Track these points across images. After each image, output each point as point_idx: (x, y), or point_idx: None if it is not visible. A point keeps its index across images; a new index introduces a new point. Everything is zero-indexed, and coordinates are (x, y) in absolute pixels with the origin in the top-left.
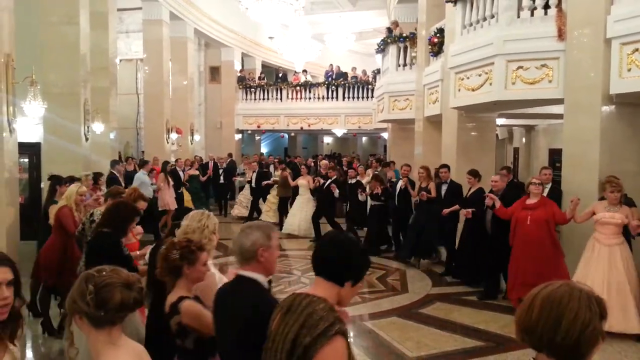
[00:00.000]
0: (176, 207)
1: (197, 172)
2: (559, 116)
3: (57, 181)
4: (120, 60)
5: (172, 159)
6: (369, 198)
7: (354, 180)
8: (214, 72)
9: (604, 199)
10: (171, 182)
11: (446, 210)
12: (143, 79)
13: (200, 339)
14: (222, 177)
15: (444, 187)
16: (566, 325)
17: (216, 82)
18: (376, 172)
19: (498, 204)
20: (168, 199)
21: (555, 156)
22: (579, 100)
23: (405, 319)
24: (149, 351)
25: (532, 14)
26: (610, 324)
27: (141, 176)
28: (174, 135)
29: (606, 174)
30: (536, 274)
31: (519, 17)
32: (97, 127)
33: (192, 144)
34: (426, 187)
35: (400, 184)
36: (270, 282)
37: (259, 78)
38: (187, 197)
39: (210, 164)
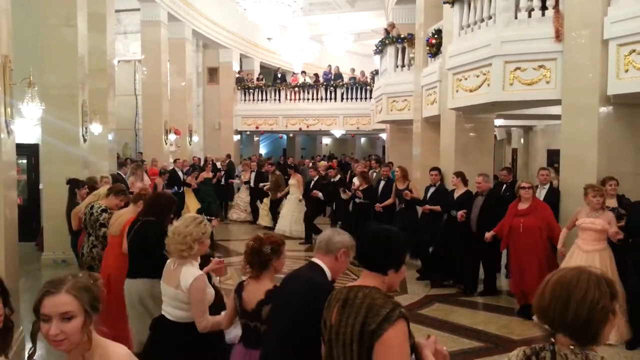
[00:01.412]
0: None
1: (210, 175)
2: (557, 117)
3: (76, 184)
4: (119, 62)
5: (171, 160)
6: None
7: (337, 178)
8: (212, 73)
9: None
10: (146, 180)
11: (427, 207)
12: (141, 80)
13: None
14: (222, 179)
15: (432, 190)
16: (575, 304)
17: (214, 83)
18: (363, 170)
19: (489, 235)
20: None
21: (553, 157)
22: (577, 101)
23: None
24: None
25: (529, 15)
26: None
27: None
28: (172, 136)
29: (604, 174)
30: (534, 281)
31: (516, 18)
32: (95, 128)
33: (190, 145)
34: (406, 187)
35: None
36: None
37: (258, 79)
38: (194, 203)
39: (209, 165)
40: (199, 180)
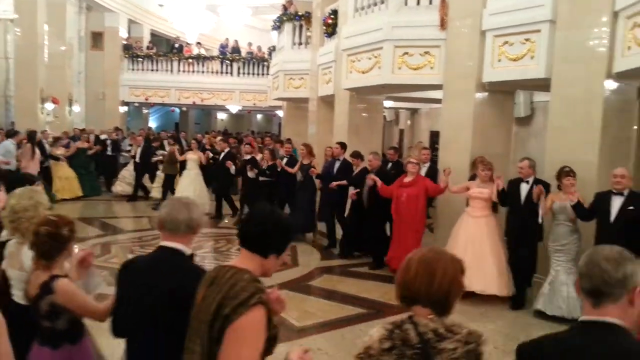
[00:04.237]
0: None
1: (86, 145)
2: (439, 101)
3: None
4: None
5: (48, 131)
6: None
7: (248, 157)
8: (97, 39)
9: (474, 178)
10: (37, 154)
11: (334, 183)
12: (14, 42)
13: (74, 318)
14: (110, 150)
15: (337, 164)
16: (439, 278)
17: (99, 50)
18: (270, 148)
19: (380, 183)
20: (32, 172)
21: (435, 138)
22: (456, 87)
23: (294, 292)
24: None
25: (418, 3)
26: (471, 284)
27: (8, 145)
28: (49, 106)
29: (477, 155)
30: (411, 244)
31: (406, 4)
32: None
33: (70, 115)
34: (309, 164)
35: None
36: (192, 255)
37: (147, 47)
38: (68, 172)
39: (92, 138)
40: (71, 151)
